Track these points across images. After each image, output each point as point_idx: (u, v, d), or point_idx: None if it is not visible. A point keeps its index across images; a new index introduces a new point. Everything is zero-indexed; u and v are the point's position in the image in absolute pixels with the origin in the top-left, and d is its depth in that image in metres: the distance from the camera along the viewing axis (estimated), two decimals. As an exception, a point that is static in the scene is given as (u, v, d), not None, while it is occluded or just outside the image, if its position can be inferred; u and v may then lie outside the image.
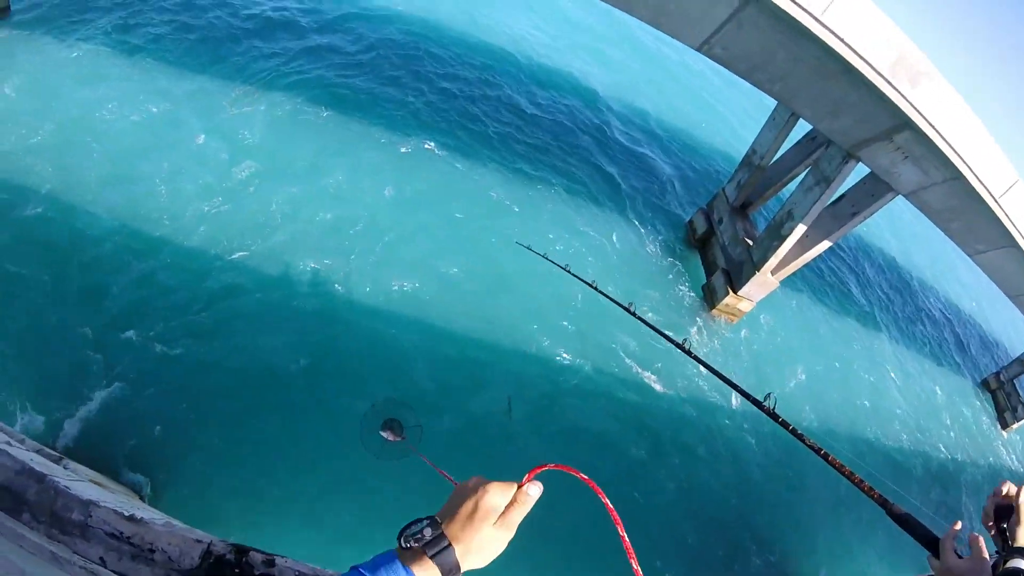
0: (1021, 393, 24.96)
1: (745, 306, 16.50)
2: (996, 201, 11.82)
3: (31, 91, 13.10)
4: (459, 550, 1.27)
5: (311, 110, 15.70)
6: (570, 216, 16.75)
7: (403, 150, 15.94)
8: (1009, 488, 2.39)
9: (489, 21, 25.18)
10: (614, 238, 16.98)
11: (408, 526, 1.33)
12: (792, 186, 16.28)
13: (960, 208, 12.84)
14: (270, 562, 3.53)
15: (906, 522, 2.43)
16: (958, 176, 11.36)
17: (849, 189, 14.55)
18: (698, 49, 11.67)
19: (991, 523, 2.40)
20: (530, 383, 12.31)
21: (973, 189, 11.49)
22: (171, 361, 10.01)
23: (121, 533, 3.66)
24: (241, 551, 3.61)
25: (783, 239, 14.83)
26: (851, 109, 11.51)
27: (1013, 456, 22.93)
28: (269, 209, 12.86)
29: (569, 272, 8.62)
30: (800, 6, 9.19)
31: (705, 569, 11.48)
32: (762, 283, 15.87)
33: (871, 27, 9.44)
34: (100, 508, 3.71)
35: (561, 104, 22.04)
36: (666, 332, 5.43)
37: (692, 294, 17.00)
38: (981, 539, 2.15)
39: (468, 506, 1.32)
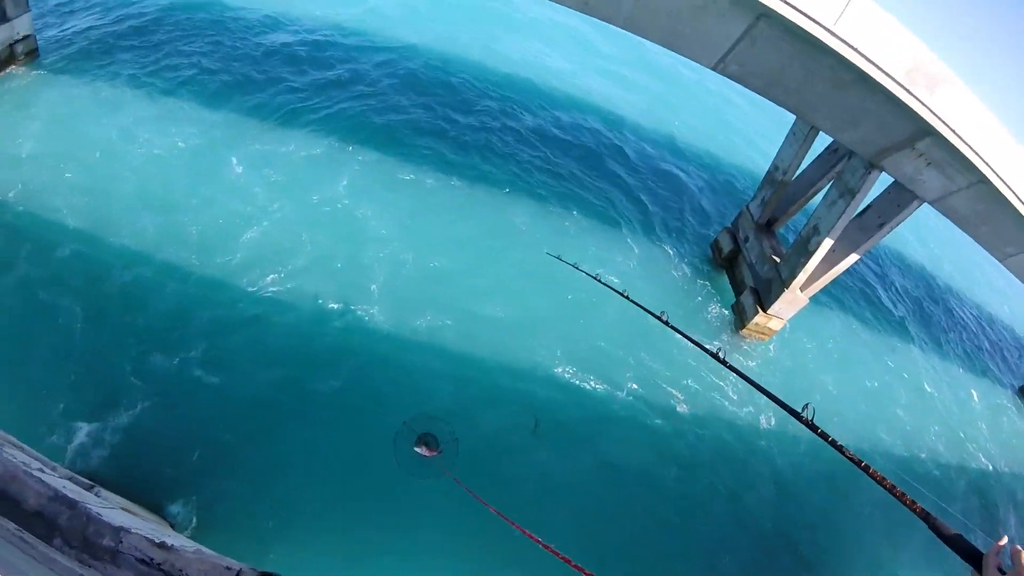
0: (1061, 400, 24.11)
1: (775, 324, 16.27)
2: (1023, 202, 11.62)
3: (62, 128, 13.78)
4: None
5: (336, 144, 16.14)
6: (594, 241, 16.78)
7: (429, 183, 16.23)
8: None
9: (506, 50, 25.69)
10: (640, 261, 16.95)
11: None
12: (816, 200, 16.12)
13: (987, 212, 12.63)
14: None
15: (949, 537, 2.37)
16: (983, 180, 11.20)
17: (874, 200, 14.37)
18: (713, 68, 11.72)
19: None
20: (556, 404, 12.25)
21: (999, 192, 11.32)
22: (202, 388, 10.21)
23: (152, 559, 3.70)
24: (270, 577, 3.62)
25: (810, 255, 14.66)
26: (870, 118, 11.44)
27: (1056, 466, 22.11)
28: (299, 239, 13.20)
29: (600, 281, 8.59)
30: (812, 18, 9.22)
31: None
32: (791, 300, 15.66)
33: (885, 35, 9.42)
34: (131, 535, 3.76)
35: (583, 128, 22.28)
36: (699, 340, 5.38)
37: (721, 315, 16.82)
38: None
39: None
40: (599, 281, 8.62)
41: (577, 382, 12.87)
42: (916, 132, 11.08)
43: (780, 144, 17.41)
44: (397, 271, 13.36)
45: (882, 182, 13.25)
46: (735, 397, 14.15)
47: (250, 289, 11.94)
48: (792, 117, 15.63)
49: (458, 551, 9.25)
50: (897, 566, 13.07)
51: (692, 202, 21.40)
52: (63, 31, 17.24)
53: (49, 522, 3.59)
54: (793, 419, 3.50)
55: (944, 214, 13.43)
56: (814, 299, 16.27)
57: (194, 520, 8.62)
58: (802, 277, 15.11)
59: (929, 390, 19.50)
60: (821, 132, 14.06)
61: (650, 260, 17.27)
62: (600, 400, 12.80)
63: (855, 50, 9.48)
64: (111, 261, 11.56)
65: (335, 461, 9.87)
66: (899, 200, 13.57)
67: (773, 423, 14.01)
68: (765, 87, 11.94)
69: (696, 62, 11.74)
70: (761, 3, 9.23)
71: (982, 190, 11.71)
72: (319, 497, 9.42)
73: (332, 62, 20.04)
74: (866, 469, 2.99)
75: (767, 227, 18.01)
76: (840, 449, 3.14)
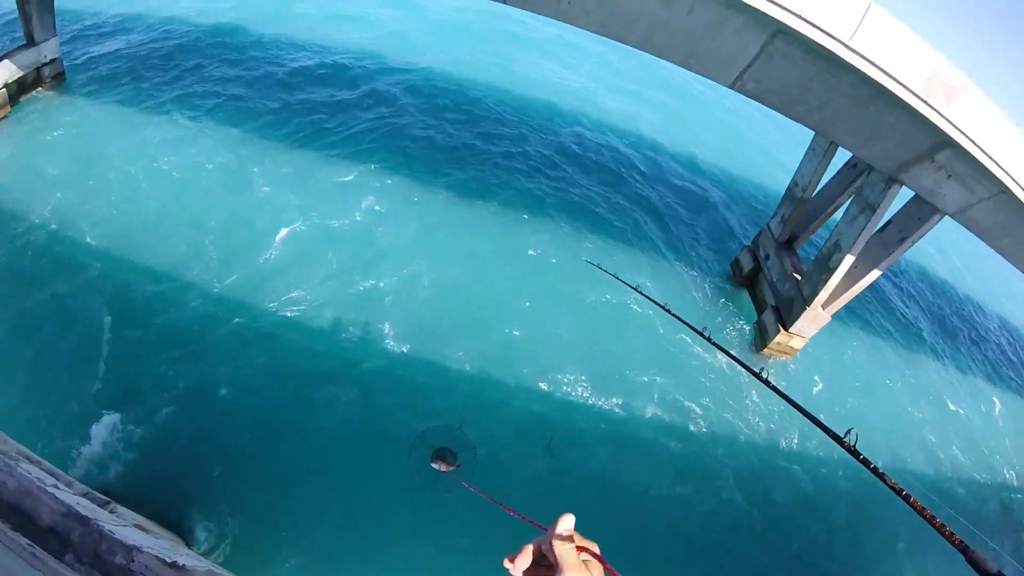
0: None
1: (797, 343, 16.05)
2: (1044, 211, 11.47)
3: (86, 149, 14.24)
4: None
5: (358, 165, 16.36)
6: (613, 261, 16.70)
7: (447, 202, 16.41)
8: None
9: (523, 70, 26.01)
10: (659, 280, 16.86)
11: None
12: (837, 217, 15.95)
13: (1009, 223, 12.43)
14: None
15: (988, 571, 2.31)
16: (1004, 190, 11.04)
17: (895, 214, 14.20)
18: (731, 86, 11.69)
19: None
20: (571, 424, 12.19)
21: (1020, 202, 11.13)
22: (222, 402, 10.35)
23: (163, 578, 3.68)
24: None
25: (832, 271, 14.48)
26: (890, 132, 11.33)
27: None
28: (320, 256, 13.44)
29: (640, 292, 8.51)
30: (828, 33, 9.17)
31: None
32: (813, 318, 15.45)
33: (901, 46, 9.34)
34: (143, 553, 3.74)
35: (601, 147, 22.40)
36: (742, 359, 5.31)
37: (743, 334, 16.64)
38: None
39: None
40: (640, 292, 8.54)
41: (593, 399, 12.80)
42: (935, 144, 10.96)
43: (799, 160, 17.30)
44: (413, 288, 13.47)
45: (903, 196, 13.09)
46: (753, 415, 13.96)
47: (270, 305, 12.11)
48: (808, 134, 15.53)
49: (480, 563, 9.16)
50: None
51: (711, 220, 21.31)
52: (89, 55, 17.74)
53: (62, 538, 3.59)
54: (816, 441, 3.44)
55: (966, 226, 13.22)
56: (836, 316, 16.04)
57: (210, 536, 8.63)
58: (824, 295, 14.93)
59: (955, 406, 19.06)
60: (840, 148, 13.98)
61: (670, 279, 17.17)
62: (616, 417, 12.71)
63: (872, 63, 9.41)
64: (134, 278, 11.85)
65: (353, 477, 9.89)
66: (920, 214, 13.40)
67: (797, 443, 13.77)
68: (784, 104, 11.87)
69: (713, 80, 11.72)
70: (776, 19, 9.19)
71: (1003, 200, 11.53)
72: (337, 512, 9.44)
73: (352, 85, 20.39)
74: (907, 498, 2.96)
75: (787, 245, 17.85)
76: (882, 477, 3.12)
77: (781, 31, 9.75)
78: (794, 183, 17.45)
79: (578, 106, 25.04)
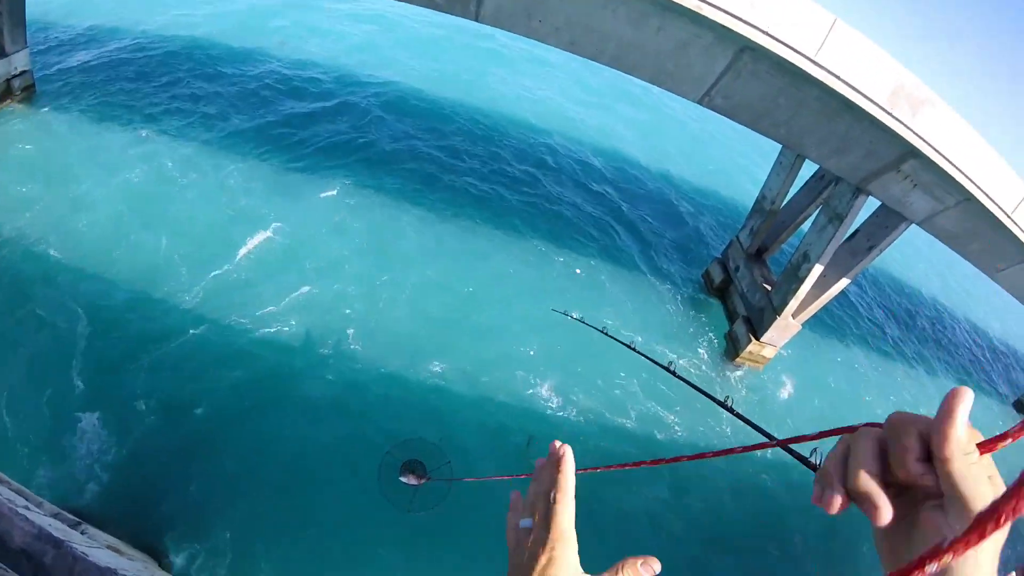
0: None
1: (769, 352, 16.28)
2: (1009, 217, 11.75)
3: (55, 165, 13.91)
4: None
5: (327, 182, 16.27)
6: (586, 277, 16.82)
7: (427, 224, 16.38)
8: None
9: (498, 84, 26.09)
10: (632, 294, 17.01)
11: None
12: (806, 227, 16.25)
13: (975, 229, 12.75)
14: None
15: None
16: (969, 197, 11.34)
17: (863, 223, 14.50)
18: (699, 102, 11.85)
19: None
20: (549, 431, 12.18)
21: (985, 208, 11.43)
22: (196, 421, 10.14)
23: (146, 607, 3.61)
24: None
25: (801, 281, 14.73)
26: (856, 144, 11.60)
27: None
28: (297, 273, 13.34)
29: (606, 334, 8.55)
30: (794, 49, 9.39)
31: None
32: (784, 327, 15.69)
33: (866, 60, 9.60)
34: (123, 579, 3.67)
35: (575, 163, 22.62)
36: (707, 391, 5.36)
37: (714, 345, 16.81)
38: None
39: None
40: (605, 334, 8.57)
41: (566, 410, 12.89)
42: (901, 155, 11.24)
43: (768, 172, 17.59)
44: (384, 302, 13.47)
45: (870, 206, 13.37)
46: (725, 429, 14.10)
47: (241, 320, 11.99)
48: (775, 146, 15.81)
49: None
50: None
51: (683, 233, 21.56)
52: (61, 67, 17.46)
53: (35, 561, 3.50)
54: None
55: (933, 234, 13.52)
56: (807, 325, 16.29)
57: (184, 557, 8.46)
58: (794, 304, 15.16)
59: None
60: (807, 160, 14.24)
61: (642, 292, 17.32)
62: (594, 426, 12.79)
63: (838, 78, 9.65)
64: (107, 294, 11.67)
65: (328, 494, 9.76)
66: (887, 222, 13.69)
67: (773, 452, 13.89)
68: (753, 120, 12.07)
69: (682, 96, 11.89)
70: (743, 36, 9.39)
71: (969, 208, 11.85)
72: (313, 531, 9.31)
73: (325, 98, 20.43)
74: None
75: (757, 256, 18.12)
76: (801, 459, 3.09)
77: (748, 47, 9.96)
78: (762, 195, 17.75)
79: (550, 120, 25.24)
